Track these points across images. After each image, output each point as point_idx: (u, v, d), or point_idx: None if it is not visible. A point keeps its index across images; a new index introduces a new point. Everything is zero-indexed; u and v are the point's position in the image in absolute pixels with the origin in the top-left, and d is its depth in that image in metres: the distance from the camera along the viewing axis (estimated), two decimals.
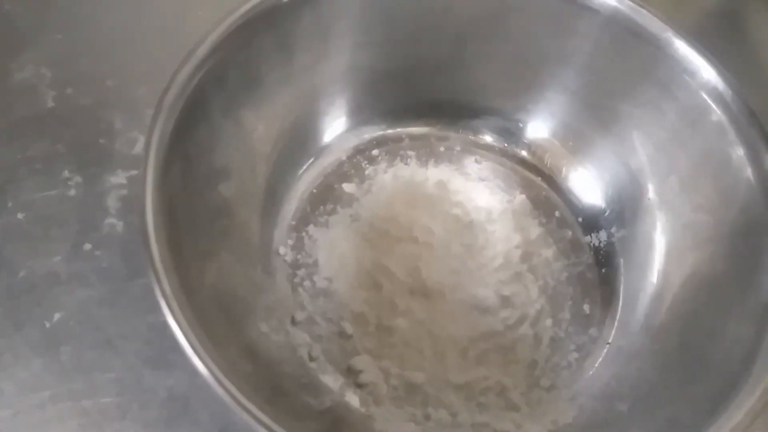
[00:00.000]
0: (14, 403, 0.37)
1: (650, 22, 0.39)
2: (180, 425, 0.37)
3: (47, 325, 0.39)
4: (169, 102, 0.34)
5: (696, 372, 0.35)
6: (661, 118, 0.41)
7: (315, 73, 0.42)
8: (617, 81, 0.42)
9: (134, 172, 0.44)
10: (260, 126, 0.40)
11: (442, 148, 0.47)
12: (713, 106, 0.38)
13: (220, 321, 0.33)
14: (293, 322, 0.40)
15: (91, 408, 0.37)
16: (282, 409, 0.30)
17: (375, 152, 0.47)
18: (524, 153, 0.47)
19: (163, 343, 0.39)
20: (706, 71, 0.38)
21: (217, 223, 0.37)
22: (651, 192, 0.42)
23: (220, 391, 0.27)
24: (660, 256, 0.40)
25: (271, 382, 0.34)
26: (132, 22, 0.51)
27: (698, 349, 0.36)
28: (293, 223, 0.43)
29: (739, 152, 0.37)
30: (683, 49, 0.39)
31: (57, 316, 0.40)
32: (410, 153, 0.47)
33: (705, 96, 0.39)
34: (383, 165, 0.46)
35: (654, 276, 0.40)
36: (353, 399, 0.38)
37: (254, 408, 0.27)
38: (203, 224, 0.35)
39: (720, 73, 0.38)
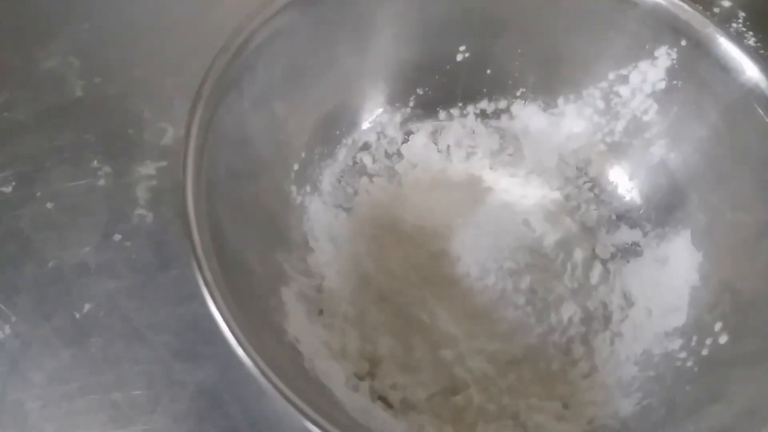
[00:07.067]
0: (43, 394, 0.37)
1: (691, 16, 0.39)
2: (211, 418, 0.36)
3: (77, 315, 0.39)
4: (207, 90, 0.34)
5: (739, 374, 0.34)
6: (701, 115, 0.40)
7: (351, 64, 0.41)
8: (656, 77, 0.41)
9: (164, 163, 0.44)
10: (294, 116, 0.40)
11: (473, 142, 0.46)
12: (754, 104, 0.37)
13: (258, 312, 0.32)
14: (322, 314, 0.39)
15: (121, 400, 0.37)
16: (320, 403, 0.30)
17: (405, 144, 0.46)
18: (558, 149, 0.46)
19: (192, 335, 0.38)
20: (748, 68, 0.38)
21: (251, 212, 0.37)
22: (688, 190, 0.41)
23: (263, 381, 0.26)
24: (698, 256, 0.40)
25: (307, 375, 0.33)
26: (160, 11, 0.51)
27: (738, 350, 0.35)
28: (323, 213, 0.43)
29: None
30: (725, 45, 0.38)
31: (87, 306, 0.39)
32: (441, 146, 0.46)
33: (746, 94, 0.38)
34: (413, 158, 0.46)
35: (691, 275, 0.39)
36: (386, 394, 0.37)
37: (299, 400, 0.26)
38: (240, 214, 0.35)
39: (762, 70, 0.37)
